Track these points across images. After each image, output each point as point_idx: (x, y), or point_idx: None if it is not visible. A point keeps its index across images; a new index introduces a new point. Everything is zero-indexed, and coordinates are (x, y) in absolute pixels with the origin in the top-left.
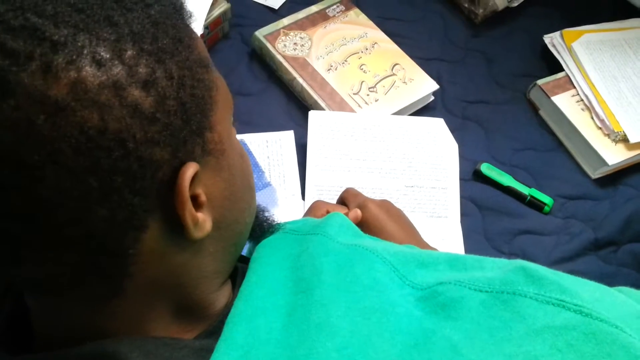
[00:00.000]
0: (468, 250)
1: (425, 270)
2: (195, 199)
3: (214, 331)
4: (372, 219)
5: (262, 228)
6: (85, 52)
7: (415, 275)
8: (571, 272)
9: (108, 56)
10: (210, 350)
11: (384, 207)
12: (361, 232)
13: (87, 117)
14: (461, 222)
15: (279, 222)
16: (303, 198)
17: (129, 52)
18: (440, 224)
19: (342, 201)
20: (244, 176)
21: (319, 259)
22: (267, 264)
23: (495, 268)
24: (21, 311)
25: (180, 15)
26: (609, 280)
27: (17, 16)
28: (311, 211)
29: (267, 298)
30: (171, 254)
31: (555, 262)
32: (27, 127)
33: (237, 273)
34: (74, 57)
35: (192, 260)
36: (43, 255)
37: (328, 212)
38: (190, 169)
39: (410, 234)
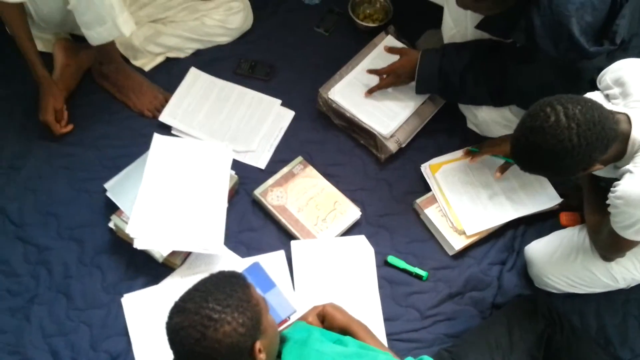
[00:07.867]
0: (383, 306)
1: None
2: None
3: None
4: (329, 315)
5: (281, 340)
6: (224, 321)
7: None
8: (438, 313)
9: (231, 320)
10: None
11: (335, 308)
12: (327, 341)
13: (227, 342)
14: (379, 292)
15: (287, 334)
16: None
17: (236, 314)
18: (365, 295)
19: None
20: (274, 332)
21: None
22: None
23: None
24: None
25: (246, 285)
26: (458, 314)
27: (198, 309)
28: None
29: None
30: None
31: (430, 308)
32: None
33: None
34: (223, 324)
35: None
36: None
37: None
38: (258, 344)
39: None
